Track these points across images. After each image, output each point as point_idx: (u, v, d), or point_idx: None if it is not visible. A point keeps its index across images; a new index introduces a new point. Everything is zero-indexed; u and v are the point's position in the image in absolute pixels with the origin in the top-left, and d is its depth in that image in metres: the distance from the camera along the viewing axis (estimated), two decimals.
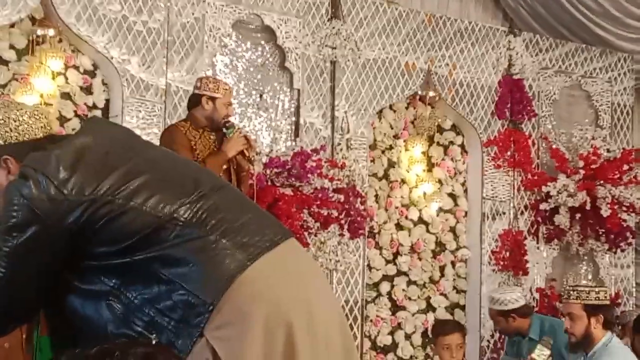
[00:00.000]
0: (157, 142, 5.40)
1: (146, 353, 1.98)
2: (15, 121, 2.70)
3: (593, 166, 8.21)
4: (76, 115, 6.65)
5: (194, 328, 2.54)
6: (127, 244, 2.57)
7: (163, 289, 2.57)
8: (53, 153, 2.60)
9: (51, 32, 6.51)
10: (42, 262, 2.60)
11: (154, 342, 2.38)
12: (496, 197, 8.23)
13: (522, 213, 8.31)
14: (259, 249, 2.64)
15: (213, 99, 5.57)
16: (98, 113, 6.72)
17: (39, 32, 6.49)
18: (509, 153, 8.25)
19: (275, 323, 2.58)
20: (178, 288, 2.55)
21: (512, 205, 8.28)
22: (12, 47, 6.46)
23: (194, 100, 5.64)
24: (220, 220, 2.64)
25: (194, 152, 5.45)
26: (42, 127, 2.74)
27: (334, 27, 7.61)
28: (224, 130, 5.54)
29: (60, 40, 6.62)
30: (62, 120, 6.60)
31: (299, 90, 7.49)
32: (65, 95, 6.65)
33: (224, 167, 5.52)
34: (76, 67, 6.71)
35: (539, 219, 8.28)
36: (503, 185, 8.25)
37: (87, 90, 6.74)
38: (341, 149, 7.55)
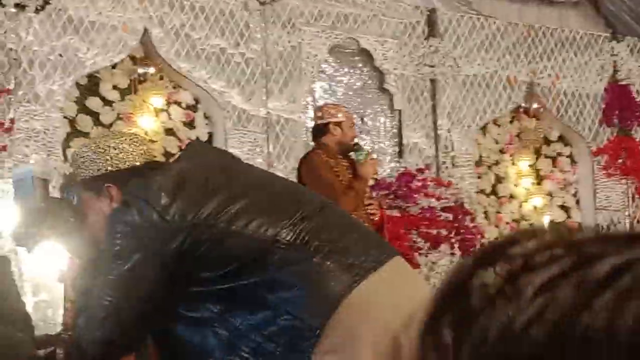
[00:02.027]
0: None
1: None
2: (115, 149, 2.70)
3: None
4: (180, 150, 6.71)
5: (302, 353, 2.51)
6: (230, 269, 2.56)
7: (268, 314, 2.54)
8: (154, 179, 2.61)
9: (152, 70, 6.62)
10: (147, 289, 2.61)
11: None
12: (610, 206, 8.04)
13: (638, 222, 8.09)
14: (364, 269, 2.58)
15: (339, 123, 5.57)
16: None
17: (140, 70, 6.61)
18: (620, 161, 8.05)
19: (385, 345, 2.53)
20: (283, 313, 2.52)
21: (627, 214, 8.07)
22: (115, 87, 6.58)
23: (321, 130, 5.64)
24: (323, 242, 2.60)
25: (337, 178, 5.46)
26: (141, 153, 2.74)
27: (431, 46, 7.56)
28: (354, 153, 5.54)
29: (161, 78, 6.73)
30: (168, 156, 6.68)
31: (399, 111, 7.46)
32: (169, 131, 6.74)
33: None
34: (178, 103, 6.80)
35: None
36: (617, 194, 8.05)
37: (190, 125, 6.82)
38: (446, 167, 7.48)
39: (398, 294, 2.63)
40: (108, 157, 2.70)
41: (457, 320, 0.59)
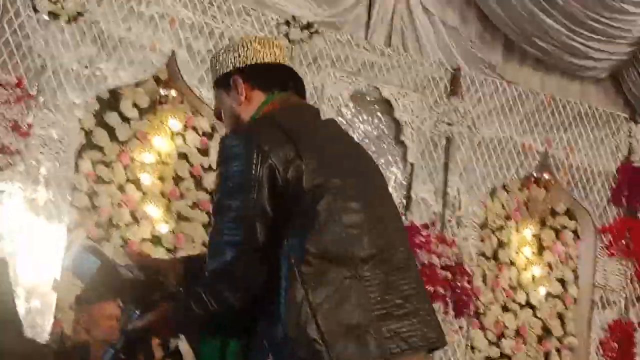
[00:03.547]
0: None
1: None
2: (243, 47, 2.85)
3: None
4: (192, 175, 6.75)
5: None
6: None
7: None
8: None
9: (173, 93, 6.65)
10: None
11: None
12: (607, 285, 8.03)
13: (633, 304, 8.09)
14: (402, 348, 2.61)
15: None
16: (213, 175, 6.80)
17: (163, 92, 6.64)
18: (623, 242, 8.06)
19: None
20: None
21: (624, 295, 8.06)
22: (135, 105, 6.60)
23: None
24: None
25: None
26: (271, 54, 2.85)
27: (452, 104, 7.59)
28: None
29: (181, 102, 6.75)
30: (177, 179, 6.70)
31: (412, 164, 7.47)
32: (182, 156, 6.75)
33: None
34: (195, 129, 6.82)
35: None
36: (616, 275, 8.05)
37: (204, 152, 6.83)
38: (451, 226, 7.49)
39: None
40: (237, 54, 2.85)
41: None
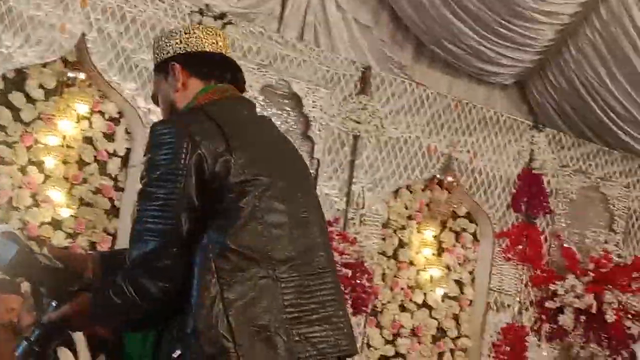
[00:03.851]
0: None
1: None
2: (186, 33, 2.80)
3: (603, 270, 8.16)
4: (96, 160, 6.64)
5: None
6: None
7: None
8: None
9: (82, 75, 6.53)
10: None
11: None
12: (503, 289, 8.17)
13: (527, 309, 8.24)
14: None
15: None
16: (118, 161, 6.71)
17: (70, 74, 6.51)
18: (520, 247, 8.21)
19: None
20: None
21: (518, 299, 8.21)
22: (41, 86, 6.47)
23: None
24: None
25: None
26: (213, 43, 2.81)
27: (360, 102, 7.62)
28: None
29: (89, 85, 6.63)
30: (81, 163, 6.59)
31: (318, 160, 7.48)
32: (88, 140, 6.64)
33: None
34: (102, 113, 6.71)
35: (543, 316, 8.21)
36: (511, 279, 8.19)
37: (110, 137, 6.73)
38: (354, 224, 7.53)
39: None
40: (178, 40, 2.81)
41: None
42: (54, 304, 2.71)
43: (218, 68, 2.82)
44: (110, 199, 6.69)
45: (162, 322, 2.61)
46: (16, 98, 6.36)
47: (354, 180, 7.62)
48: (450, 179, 8.03)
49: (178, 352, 2.52)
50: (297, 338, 2.55)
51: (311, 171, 7.39)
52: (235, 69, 2.87)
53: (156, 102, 2.89)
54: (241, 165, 2.57)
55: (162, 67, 2.82)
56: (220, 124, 2.61)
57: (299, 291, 2.58)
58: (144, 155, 2.63)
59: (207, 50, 2.81)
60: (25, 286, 5.85)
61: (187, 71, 2.77)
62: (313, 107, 7.49)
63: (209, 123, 2.60)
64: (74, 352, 5.26)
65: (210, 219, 2.55)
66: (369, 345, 7.69)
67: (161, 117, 2.84)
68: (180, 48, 2.80)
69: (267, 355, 2.50)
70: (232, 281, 2.51)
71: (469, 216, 8.29)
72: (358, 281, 7.29)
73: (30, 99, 6.42)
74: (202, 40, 2.81)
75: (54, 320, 2.71)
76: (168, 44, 2.82)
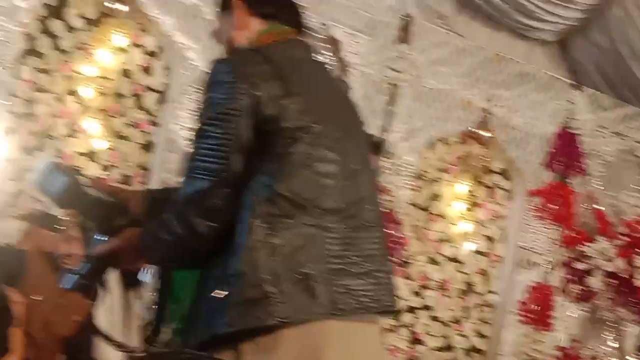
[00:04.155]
0: None
1: None
2: None
3: (635, 234, 8.06)
4: (134, 94, 6.58)
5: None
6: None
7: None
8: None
9: (123, 7, 6.44)
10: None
11: None
12: (533, 247, 8.10)
13: (556, 269, 8.17)
14: (354, 309, 2.56)
15: None
16: (155, 96, 6.64)
17: (111, 5, 6.42)
18: (553, 206, 8.11)
19: None
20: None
21: (547, 259, 8.14)
22: (81, 15, 6.39)
23: None
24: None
25: None
26: None
27: (400, 50, 7.50)
28: None
29: (129, 17, 6.54)
30: (118, 96, 6.53)
31: None
32: (126, 72, 6.58)
33: None
34: (140, 47, 6.63)
35: (572, 277, 8.13)
36: (542, 238, 8.12)
37: (147, 71, 6.66)
38: (388, 174, 7.44)
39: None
40: None
41: None
42: (101, 237, 2.68)
43: (279, 9, 2.80)
44: (145, 133, 6.63)
45: (207, 262, 2.58)
46: (56, 26, 6.28)
47: (388, 129, 7.52)
48: (485, 133, 7.93)
49: (221, 292, 2.49)
50: (339, 289, 2.52)
51: None
52: (296, 11, 2.85)
53: (217, 39, 2.86)
54: (297, 110, 2.55)
55: (226, 5, 2.81)
56: (279, 67, 2.59)
57: (344, 243, 2.56)
58: (202, 93, 2.61)
59: None
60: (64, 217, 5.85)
61: (249, 10, 2.77)
62: (351, 53, 7.38)
63: (267, 65, 2.58)
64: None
65: (261, 162, 2.53)
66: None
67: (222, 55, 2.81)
68: None
69: (308, 303, 2.47)
70: (278, 227, 2.49)
71: (503, 172, 8.19)
72: (388, 231, 7.23)
73: (70, 28, 6.35)
74: None
75: (101, 254, 2.69)
76: None
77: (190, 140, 2.61)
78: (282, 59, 2.63)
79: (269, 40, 2.72)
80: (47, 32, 6.28)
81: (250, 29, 2.76)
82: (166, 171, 6.50)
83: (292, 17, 2.82)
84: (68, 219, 5.19)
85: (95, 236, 2.70)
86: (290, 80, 2.58)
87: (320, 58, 6.95)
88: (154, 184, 6.49)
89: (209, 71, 2.60)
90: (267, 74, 2.56)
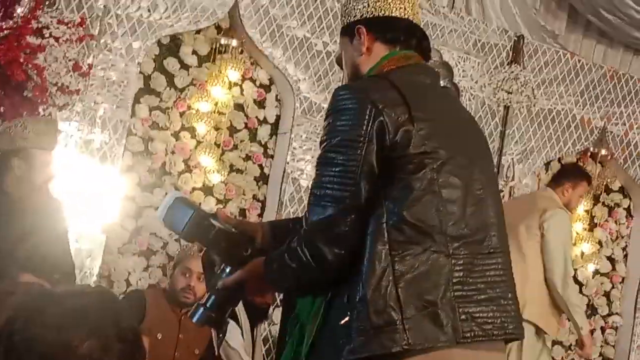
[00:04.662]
0: None
1: None
2: None
3: None
4: (246, 127, 6.67)
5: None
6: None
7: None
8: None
9: (234, 42, 6.54)
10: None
11: None
12: None
13: None
14: (478, 336, 2.53)
15: None
16: (268, 128, 6.73)
17: (223, 41, 6.53)
18: None
19: None
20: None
21: None
22: (194, 52, 6.52)
23: None
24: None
25: None
26: (401, 8, 2.79)
27: (512, 72, 7.44)
28: None
29: (241, 52, 6.64)
30: (232, 130, 6.63)
31: None
32: (239, 107, 6.68)
33: None
34: (253, 80, 6.73)
35: None
36: None
37: (260, 104, 6.75)
38: (503, 196, 7.37)
39: None
40: (366, 4, 2.81)
41: None
42: (227, 269, 2.71)
43: (404, 34, 2.78)
44: (260, 166, 6.71)
45: (331, 288, 2.59)
46: (170, 64, 6.43)
47: (504, 151, 7.46)
48: (604, 152, 7.79)
49: (346, 319, 2.51)
50: (463, 316, 2.50)
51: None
52: (421, 36, 2.83)
53: (340, 65, 2.88)
54: (422, 136, 2.54)
55: (349, 30, 2.82)
56: (403, 92, 2.57)
57: (468, 269, 2.54)
58: (325, 120, 2.62)
59: (394, 15, 2.78)
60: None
61: (372, 35, 2.77)
62: (463, 77, 7.35)
63: (392, 91, 2.57)
64: (237, 321, 5.34)
65: (386, 188, 2.53)
66: None
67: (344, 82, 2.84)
68: (367, 12, 2.78)
69: (433, 331, 2.46)
70: (404, 253, 2.48)
71: (622, 190, 8.03)
72: None
73: (184, 65, 6.48)
74: (389, 5, 2.78)
75: (228, 286, 2.72)
76: (355, 8, 2.81)
77: (315, 167, 2.63)
78: (407, 85, 2.62)
79: (393, 66, 2.71)
80: (162, 70, 6.42)
81: (374, 54, 2.76)
82: (281, 202, 6.57)
83: (417, 42, 2.80)
84: (191, 252, 5.30)
85: (221, 268, 2.74)
86: (415, 106, 2.56)
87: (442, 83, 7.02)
88: (270, 215, 6.56)
89: (333, 98, 2.61)
90: (391, 100, 2.55)
